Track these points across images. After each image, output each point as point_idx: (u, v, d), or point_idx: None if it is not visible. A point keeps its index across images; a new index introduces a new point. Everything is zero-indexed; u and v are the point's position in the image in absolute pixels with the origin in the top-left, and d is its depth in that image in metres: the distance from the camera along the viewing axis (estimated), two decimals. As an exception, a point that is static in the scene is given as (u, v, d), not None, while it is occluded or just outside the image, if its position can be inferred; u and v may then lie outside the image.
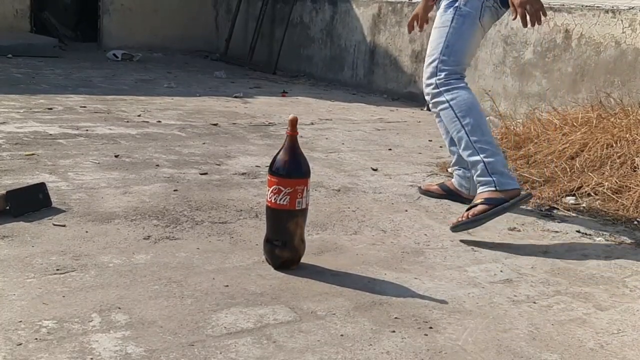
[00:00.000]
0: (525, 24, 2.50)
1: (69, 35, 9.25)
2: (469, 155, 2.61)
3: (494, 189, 2.53)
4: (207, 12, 9.27)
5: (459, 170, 2.95)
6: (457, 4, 2.66)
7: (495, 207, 2.50)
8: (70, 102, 4.88)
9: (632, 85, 4.26)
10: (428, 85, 2.72)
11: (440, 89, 2.67)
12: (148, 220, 2.48)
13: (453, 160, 2.95)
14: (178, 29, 8.94)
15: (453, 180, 3.02)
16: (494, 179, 2.53)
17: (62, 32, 9.10)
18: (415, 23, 3.08)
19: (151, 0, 8.88)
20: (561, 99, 4.66)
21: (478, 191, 2.58)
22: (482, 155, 2.56)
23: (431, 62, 2.70)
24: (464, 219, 2.51)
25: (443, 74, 2.66)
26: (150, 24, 8.83)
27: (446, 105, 2.66)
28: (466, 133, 2.60)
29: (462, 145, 2.63)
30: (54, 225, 2.36)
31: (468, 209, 2.55)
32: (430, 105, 2.82)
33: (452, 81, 2.66)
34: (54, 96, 5.08)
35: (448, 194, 3.01)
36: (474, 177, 2.61)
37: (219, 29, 9.26)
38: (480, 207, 2.51)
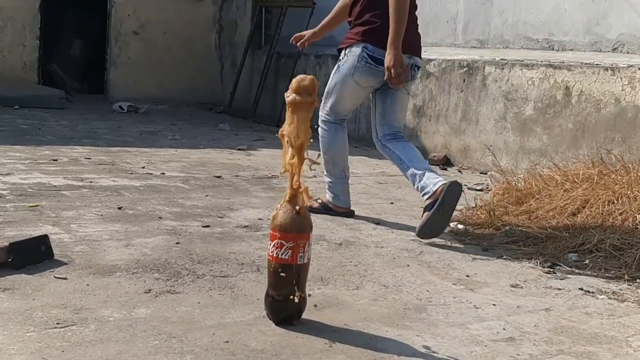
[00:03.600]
0: (391, 84, 3.29)
1: (76, 87, 9.38)
2: (324, 174, 3.62)
3: (331, 201, 3.61)
4: (213, 65, 9.42)
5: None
6: (339, 63, 3.44)
7: (325, 210, 3.59)
8: (75, 154, 4.92)
9: (633, 142, 4.30)
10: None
11: (319, 123, 3.55)
12: (149, 273, 2.48)
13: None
14: (183, 81, 9.07)
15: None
16: (332, 196, 3.60)
17: (69, 84, 9.23)
18: (300, 40, 3.85)
19: (158, 53, 9.03)
20: (562, 154, 4.69)
21: (327, 194, 3.62)
22: (328, 180, 3.58)
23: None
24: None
25: (323, 113, 3.54)
26: (156, 76, 8.96)
27: (320, 137, 3.54)
28: (324, 162, 3.54)
29: (324, 166, 3.57)
30: (55, 278, 2.36)
31: (314, 200, 3.52)
32: None
33: (325, 122, 3.54)
34: (59, 147, 5.13)
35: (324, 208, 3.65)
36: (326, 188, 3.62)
37: (224, 82, 9.40)
38: (315, 204, 3.55)
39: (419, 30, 3.51)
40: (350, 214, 3.62)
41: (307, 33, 3.85)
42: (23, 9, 8.43)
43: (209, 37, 9.40)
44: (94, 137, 5.85)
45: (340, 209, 3.60)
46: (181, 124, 7.21)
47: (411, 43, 3.35)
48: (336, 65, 3.49)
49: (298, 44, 3.86)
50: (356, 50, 3.36)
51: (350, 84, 3.43)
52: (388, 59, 3.21)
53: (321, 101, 3.44)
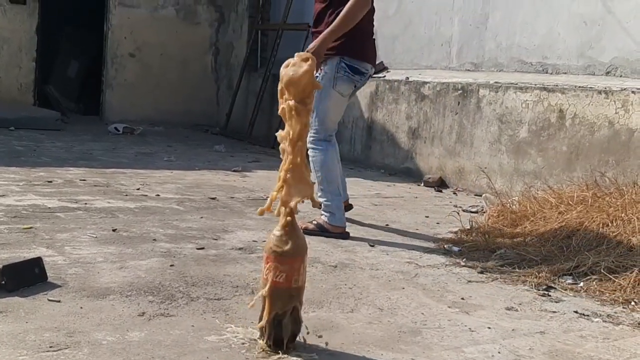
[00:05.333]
0: None
1: (72, 108, 9.40)
2: (319, 195, 3.64)
3: (327, 220, 3.63)
4: (209, 87, 9.46)
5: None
6: (318, 78, 3.48)
7: (320, 231, 3.59)
8: (70, 175, 4.92)
9: (627, 164, 4.32)
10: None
11: (309, 145, 3.56)
12: (143, 296, 2.47)
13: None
14: (180, 103, 9.10)
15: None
16: (327, 215, 3.62)
17: (64, 105, 9.25)
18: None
19: (154, 75, 9.06)
20: (556, 177, 4.71)
21: (321, 215, 3.66)
22: (324, 199, 3.62)
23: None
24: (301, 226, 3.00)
25: (311, 133, 3.58)
26: (152, 98, 8.99)
27: (310, 158, 3.61)
28: (318, 182, 3.63)
29: (317, 187, 3.61)
30: (49, 300, 2.35)
31: (310, 222, 3.65)
32: None
33: (315, 141, 3.63)
34: (54, 169, 5.13)
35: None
36: (321, 209, 3.66)
37: (220, 104, 9.43)
38: (310, 226, 3.60)
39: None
40: (345, 235, 3.64)
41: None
42: (20, 31, 8.47)
43: (205, 60, 9.45)
44: (89, 158, 5.85)
45: (336, 229, 3.62)
46: (177, 146, 7.22)
47: (373, 55, 3.75)
48: None
49: None
50: (333, 62, 3.57)
51: (334, 96, 3.61)
52: (312, 45, 3.47)
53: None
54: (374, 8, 3.65)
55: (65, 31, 9.86)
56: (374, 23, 3.79)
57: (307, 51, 3.35)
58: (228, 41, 9.37)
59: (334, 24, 3.46)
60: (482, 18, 5.66)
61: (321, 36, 3.47)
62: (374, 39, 3.82)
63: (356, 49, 3.58)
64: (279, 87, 2.19)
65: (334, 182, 3.67)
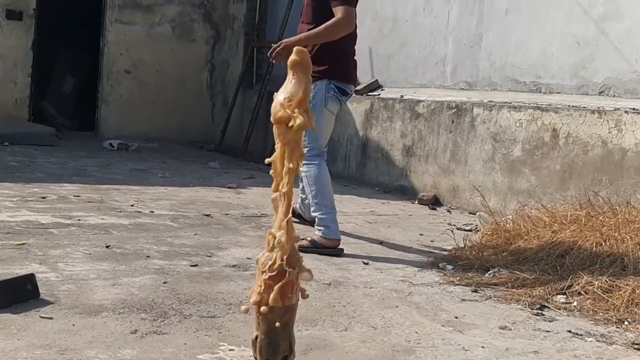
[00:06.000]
0: (269, 53, 3.73)
1: (67, 124, 9.40)
2: (313, 210, 3.79)
3: (321, 235, 3.67)
4: (204, 104, 9.47)
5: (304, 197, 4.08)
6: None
7: (314, 247, 3.61)
8: (64, 191, 4.91)
9: (620, 184, 4.34)
10: None
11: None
12: (136, 313, 2.46)
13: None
14: (175, 119, 9.11)
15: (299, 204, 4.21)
16: (322, 229, 3.67)
17: (59, 121, 9.24)
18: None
19: (149, 91, 9.08)
20: (550, 196, 4.72)
21: (315, 232, 3.71)
22: (318, 213, 3.73)
23: None
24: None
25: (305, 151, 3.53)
26: (148, 114, 9.00)
27: (304, 174, 3.75)
28: (312, 196, 3.77)
29: (311, 201, 3.81)
30: (41, 317, 2.34)
31: (303, 239, 3.52)
32: None
33: (309, 157, 3.62)
34: (48, 185, 5.12)
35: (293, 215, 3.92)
36: (315, 224, 3.75)
37: (215, 120, 9.44)
38: (304, 242, 3.54)
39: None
40: (339, 251, 3.68)
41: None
42: (16, 47, 8.48)
43: (200, 76, 9.47)
44: (83, 174, 5.84)
45: (332, 242, 3.68)
46: (171, 162, 7.22)
47: (355, 75, 4.03)
48: None
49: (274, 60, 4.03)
50: (322, 84, 3.75)
51: (326, 114, 3.81)
52: (285, 40, 3.74)
53: None
54: (356, 31, 3.85)
55: (61, 47, 9.88)
56: (357, 43, 4.00)
57: (280, 43, 3.70)
58: (224, 58, 9.41)
59: (314, 31, 3.67)
60: (476, 38, 5.70)
61: (298, 37, 3.70)
62: (355, 60, 4.01)
63: (342, 73, 3.83)
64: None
65: (327, 196, 3.79)
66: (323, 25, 3.64)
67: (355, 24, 3.75)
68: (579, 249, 3.30)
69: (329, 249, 3.64)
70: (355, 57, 3.99)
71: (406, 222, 4.87)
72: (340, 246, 3.68)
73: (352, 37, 3.80)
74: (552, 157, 4.83)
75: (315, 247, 3.62)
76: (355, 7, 3.73)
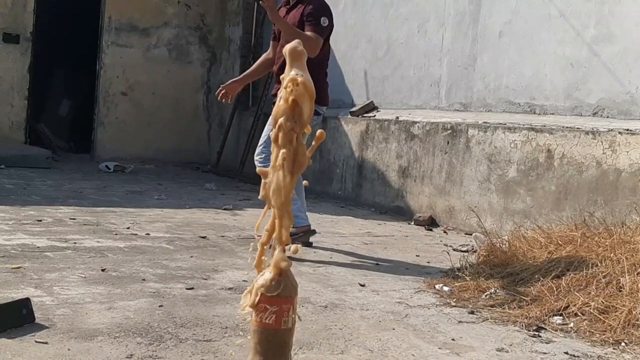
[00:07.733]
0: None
1: (63, 147, 9.41)
2: None
3: (292, 226, 3.81)
4: (200, 125, 9.50)
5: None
6: None
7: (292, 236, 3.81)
8: (60, 214, 4.90)
9: (615, 204, 4.35)
10: (256, 160, 4.24)
11: (260, 165, 4.01)
12: (132, 337, 2.45)
13: None
14: (171, 141, 9.13)
15: None
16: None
17: (56, 144, 9.26)
18: (225, 92, 4.58)
19: (145, 113, 9.11)
20: (546, 216, 4.73)
21: None
22: None
23: (259, 146, 4.30)
24: None
25: (263, 157, 4.11)
26: (144, 136, 9.02)
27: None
28: None
29: None
30: (36, 342, 2.32)
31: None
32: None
33: (267, 163, 3.90)
34: (44, 208, 5.11)
35: None
36: None
37: (211, 142, 9.46)
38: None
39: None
40: (312, 232, 4.17)
41: (229, 83, 4.60)
42: (12, 70, 8.52)
43: (196, 98, 9.51)
44: (79, 197, 5.84)
45: (302, 229, 4.08)
46: (167, 184, 7.22)
47: (327, 96, 4.30)
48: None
49: (222, 99, 4.56)
50: None
51: None
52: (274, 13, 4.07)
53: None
54: (329, 53, 4.28)
55: (57, 70, 9.92)
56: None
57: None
58: (220, 80, 9.41)
59: (293, 28, 4.09)
60: (471, 59, 5.75)
61: (280, 17, 4.12)
62: (327, 82, 4.36)
63: (317, 95, 4.17)
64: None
65: None
66: (300, 32, 4.01)
67: (328, 52, 4.25)
68: (575, 270, 3.30)
69: (303, 233, 4.09)
70: (327, 80, 4.32)
71: (402, 243, 4.87)
72: (332, 259, 3.75)
73: (324, 60, 4.22)
74: (547, 177, 4.85)
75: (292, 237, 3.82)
76: (326, 40, 4.19)
